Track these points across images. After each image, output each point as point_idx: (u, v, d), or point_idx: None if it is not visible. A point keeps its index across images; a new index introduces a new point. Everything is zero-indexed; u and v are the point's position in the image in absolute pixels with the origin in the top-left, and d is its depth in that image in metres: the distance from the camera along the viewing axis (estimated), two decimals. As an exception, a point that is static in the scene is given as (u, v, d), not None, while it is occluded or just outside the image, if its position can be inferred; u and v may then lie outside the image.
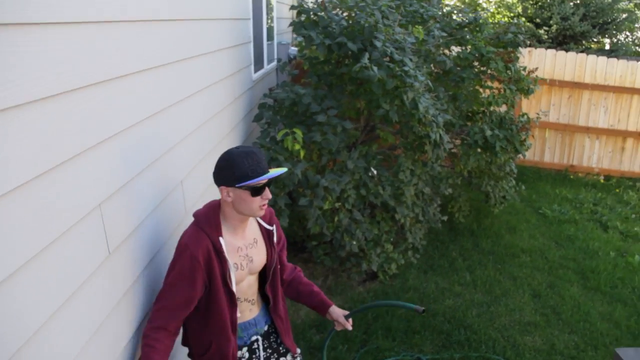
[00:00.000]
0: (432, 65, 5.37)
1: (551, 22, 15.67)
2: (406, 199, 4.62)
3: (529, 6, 16.41)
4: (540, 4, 16.40)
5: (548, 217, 7.09)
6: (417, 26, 4.59)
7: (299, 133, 4.08)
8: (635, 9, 17.15)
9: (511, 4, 16.33)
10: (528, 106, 8.79)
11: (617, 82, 8.88)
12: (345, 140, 4.45)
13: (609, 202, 7.95)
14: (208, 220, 2.34)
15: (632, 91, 8.86)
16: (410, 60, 4.27)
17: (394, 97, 4.11)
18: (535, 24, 16.31)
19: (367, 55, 4.00)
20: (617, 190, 8.54)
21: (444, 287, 5.05)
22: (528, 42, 15.71)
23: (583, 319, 4.75)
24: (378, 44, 4.10)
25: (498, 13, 16.61)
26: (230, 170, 2.25)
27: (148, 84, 2.40)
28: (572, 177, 9.01)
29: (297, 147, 4.13)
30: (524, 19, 16.36)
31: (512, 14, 16.46)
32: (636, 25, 17.17)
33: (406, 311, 4.59)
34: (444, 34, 5.08)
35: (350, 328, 2.72)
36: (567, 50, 10.60)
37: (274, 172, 2.33)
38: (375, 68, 3.90)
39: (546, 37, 15.89)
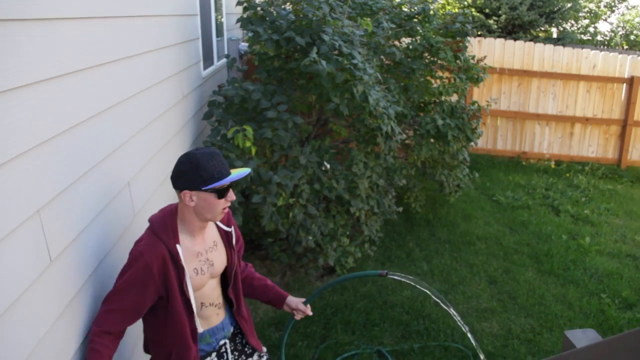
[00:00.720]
0: (382, 57, 5.38)
1: (500, 12, 15.93)
2: (360, 192, 4.62)
3: (478, -3, 16.64)
4: (488, -6, 16.65)
5: (502, 204, 7.21)
6: (365, 18, 4.58)
7: (249, 130, 4.03)
8: (580, -3, 17.58)
9: (461, -6, 16.53)
10: (479, 95, 8.92)
11: (564, 69, 9.09)
12: (297, 135, 4.42)
13: (560, 186, 8.13)
14: (164, 227, 2.25)
15: (578, 78, 9.08)
16: (359, 53, 4.26)
17: (344, 90, 4.09)
18: (484, 14, 16.55)
19: (315, 49, 3.97)
20: (568, 175, 8.74)
21: (401, 278, 5.07)
22: (478, 32, 15.95)
23: (538, 302, 4.84)
24: (326, 37, 4.07)
25: (448, 4, 16.78)
26: (196, 172, 2.16)
27: (86, 84, 2.32)
28: (524, 163, 9.18)
29: (248, 144, 4.08)
30: (473, 9, 16.58)
31: (462, 5, 16.65)
32: (580, 14, 17.61)
33: (365, 304, 4.60)
34: (393, 26, 5.08)
35: (310, 313, 2.73)
36: (516, 39, 10.78)
37: (237, 173, 2.27)
38: (324, 62, 3.88)
39: (496, 26, 16.14)
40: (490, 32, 15.76)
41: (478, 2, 16.54)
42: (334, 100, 4.11)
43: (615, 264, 5.71)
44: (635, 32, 19.88)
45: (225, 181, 2.20)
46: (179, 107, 4.08)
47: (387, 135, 4.39)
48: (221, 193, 2.23)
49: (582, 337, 1.63)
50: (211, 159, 2.18)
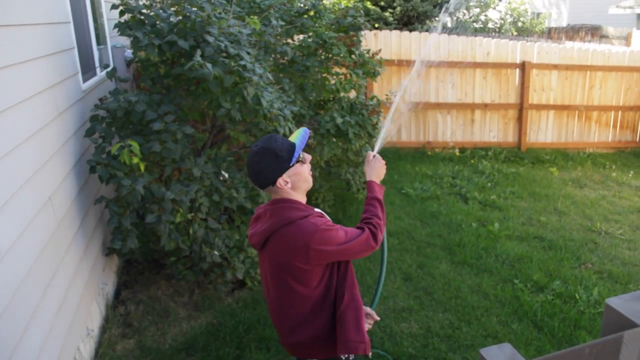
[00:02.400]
0: (276, 56, 5.14)
1: (395, 4, 16.14)
2: (263, 199, 4.37)
3: (373, -10, 16.79)
4: (382, -13, 16.83)
5: (411, 197, 7.17)
6: (252, 16, 4.33)
7: (135, 145, 3.69)
8: (469, -13, 18.11)
9: (356, -11, 16.60)
10: (380, 88, 8.88)
11: (459, 57, 9.22)
12: (189, 146, 4.11)
13: (466, 173, 8.22)
14: (300, 208, 2.30)
15: (474, 65, 9.24)
16: (248, 53, 4.01)
17: (234, 94, 3.83)
18: (380, 7, 16.72)
19: (199, 52, 3.68)
20: (472, 161, 8.87)
21: (315, 284, 4.86)
22: (375, 25, 16.05)
23: (454, 296, 4.77)
24: (210, 39, 3.79)
25: (344, -1, 16.79)
26: (277, 157, 2.24)
27: None
28: (429, 153, 9.24)
29: (136, 160, 3.74)
30: (369, 2, 16.70)
31: (356, 0, 16.73)
32: (471, 3, 18.14)
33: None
34: (283, 23, 4.85)
35: (378, 319, 2.67)
36: (412, 30, 10.86)
37: (298, 135, 2.34)
38: (209, 65, 3.60)
39: (392, 18, 16.33)
40: (387, 24, 15.93)
41: (373, -5, 16.69)
42: (224, 105, 3.83)
43: (524, 248, 5.77)
44: (521, 19, 20.74)
45: (299, 147, 2.29)
46: (54, 126, 3.67)
47: (285, 138, 4.16)
48: (301, 160, 2.32)
49: (499, 354, 1.49)
50: (276, 140, 2.26)
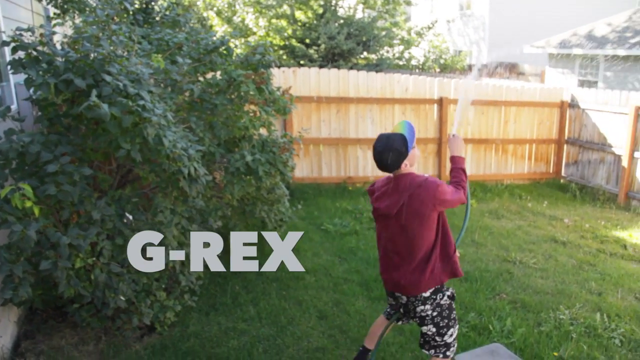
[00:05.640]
0: (186, 94, 5.06)
1: (319, 41, 16.39)
2: (170, 241, 4.23)
3: (298, 28, 17.00)
4: (307, 25, 17.08)
5: (330, 232, 7.15)
6: (156, 54, 4.25)
7: (27, 188, 3.51)
8: (392, 27, 18.60)
9: (281, 27, 16.76)
10: (299, 123, 8.92)
11: (378, 94, 9.41)
12: (88, 188, 3.94)
13: (386, 207, 8.28)
14: (419, 174, 3.32)
15: (393, 101, 9.44)
16: (151, 92, 3.92)
17: (134, 134, 3.71)
18: (305, 44, 16.94)
19: (95, 92, 3.57)
20: (393, 195, 8.96)
21: (227, 326, 4.72)
22: (301, 62, 16.21)
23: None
24: (108, 78, 3.68)
25: (269, 37, 16.94)
26: (399, 150, 3.19)
27: None
28: (350, 188, 9.30)
29: (29, 204, 3.55)
30: (294, 40, 16.90)
31: (283, 37, 16.90)
32: (394, 41, 18.62)
33: (187, 363, 4.20)
34: (189, 61, 4.79)
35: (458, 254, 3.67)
36: (337, 67, 11.01)
37: (402, 129, 3.28)
38: (105, 105, 3.48)
39: (317, 56, 16.56)
40: (312, 62, 16.13)
41: (298, 32, 16.90)
42: (123, 146, 3.71)
43: (439, 280, 5.80)
44: (443, 56, 21.46)
45: (410, 138, 3.23)
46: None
47: (191, 178, 4.07)
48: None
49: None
50: (394, 139, 3.22)
